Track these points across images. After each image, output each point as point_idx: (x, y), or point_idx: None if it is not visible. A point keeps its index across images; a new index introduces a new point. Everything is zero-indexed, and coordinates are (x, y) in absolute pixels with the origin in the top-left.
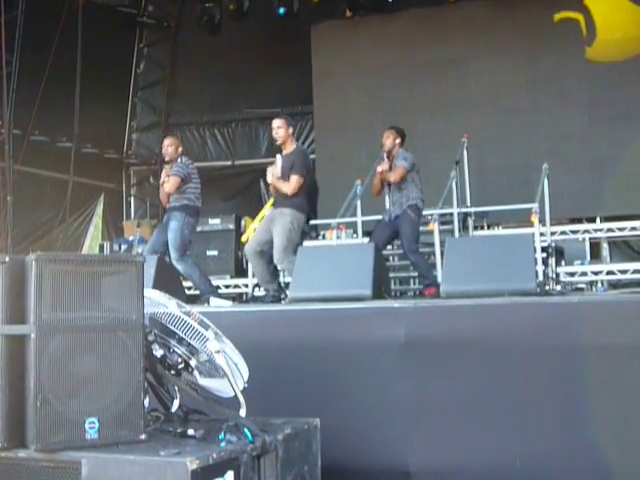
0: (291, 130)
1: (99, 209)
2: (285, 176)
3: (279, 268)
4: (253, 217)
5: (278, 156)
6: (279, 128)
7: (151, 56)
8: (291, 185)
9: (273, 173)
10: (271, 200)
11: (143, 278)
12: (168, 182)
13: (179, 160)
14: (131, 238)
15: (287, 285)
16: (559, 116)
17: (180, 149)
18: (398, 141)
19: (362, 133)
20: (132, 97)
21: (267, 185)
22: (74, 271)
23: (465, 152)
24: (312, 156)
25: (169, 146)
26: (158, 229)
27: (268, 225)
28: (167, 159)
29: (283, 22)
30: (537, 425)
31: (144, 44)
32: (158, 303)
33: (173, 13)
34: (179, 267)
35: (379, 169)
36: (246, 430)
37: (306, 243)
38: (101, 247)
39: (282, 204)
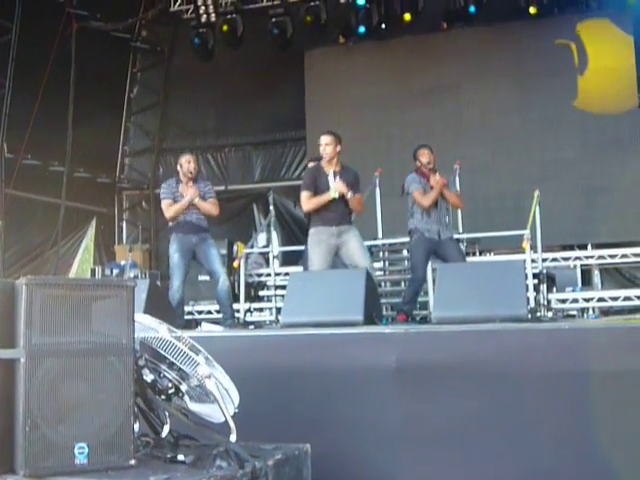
0: (339, 148)
1: (91, 233)
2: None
3: None
4: (245, 242)
5: (331, 172)
6: (327, 145)
7: (144, 81)
8: (361, 204)
9: (343, 187)
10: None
11: (134, 302)
12: (215, 205)
13: (204, 181)
14: (123, 263)
15: (279, 310)
16: (551, 143)
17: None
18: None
19: (354, 159)
20: (125, 121)
21: (266, 209)
22: (64, 295)
23: (457, 178)
24: None
25: (192, 162)
26: (181, 256)
27: (332, 243)
28: (194, 174)
29: (276, 48)
30: (527, 451)
31: (138, 69)
32: (149, 328)
33: (166, 38)
34: (228, 283)
35: (443, 181)
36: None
37: (297, 268)
38: (92, 271)
39: (348, 221)
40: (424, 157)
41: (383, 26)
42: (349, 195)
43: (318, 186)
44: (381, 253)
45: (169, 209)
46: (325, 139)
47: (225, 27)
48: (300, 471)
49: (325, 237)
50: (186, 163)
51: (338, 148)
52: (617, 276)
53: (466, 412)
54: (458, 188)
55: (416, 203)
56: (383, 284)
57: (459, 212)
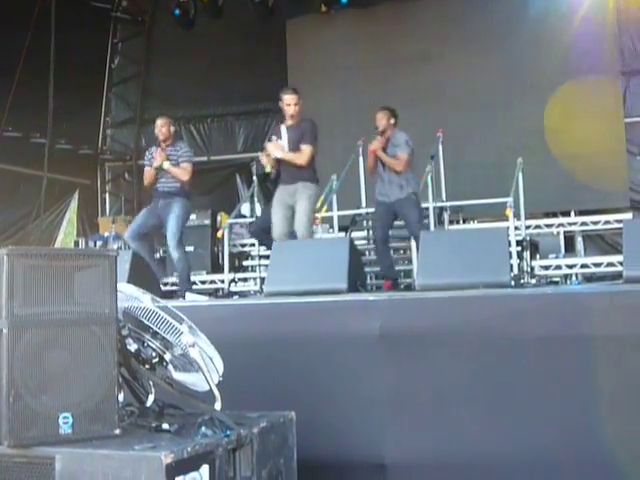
0: (301, 103)
1: (73, 205)
2: (295, 148)
3: None
4: (229, 212)
5: (282, 127)
6: (295, 105)
7: (125, 51)
8: (304, 156)
9: (276, 147)
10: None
11: (116, 272)
12: (186, 170)
13: (180, 144)
14: (106, 234)
15: (263, 280)
16: (533, 110)
17: (173, 128)
18: (392, 121)
19: (338, 128)
20: (106, 93)
21: (250, 179)
22: (46, 265)
23: (440, 147)
24: None
25: (162, 126)
26: (148, 211)
27: (287, 202)
28: (162, 138)
29: (258, 17)
30: (512, 417)
31: (118, 39)
32: (132, 297)
33: (147, 8)
34: (175, 255)
35: (372, 147)
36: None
37: None
38: (76, 243)
39: (300, 177)
40: (375, 121)
41: None
42: (279, 155)
43: None
44: (365, 222)
45: (144, 177)
46: (292, 98)
47: None
48: (285, 439)
49: (282, 195)
50: (156, 128)
51: (300, 103)
52: (600, 242)
53: (450, 378)
54: (441, 155)
55: None
56: (367, 253)
57: (442, 180)
